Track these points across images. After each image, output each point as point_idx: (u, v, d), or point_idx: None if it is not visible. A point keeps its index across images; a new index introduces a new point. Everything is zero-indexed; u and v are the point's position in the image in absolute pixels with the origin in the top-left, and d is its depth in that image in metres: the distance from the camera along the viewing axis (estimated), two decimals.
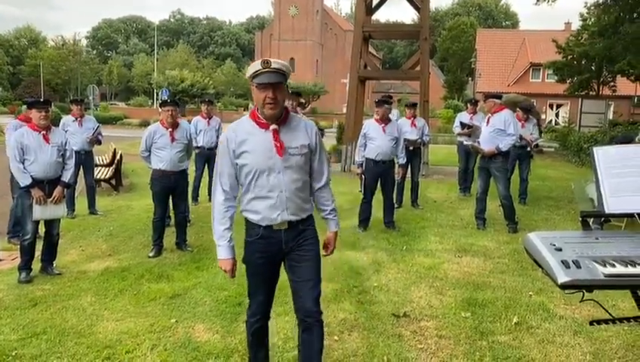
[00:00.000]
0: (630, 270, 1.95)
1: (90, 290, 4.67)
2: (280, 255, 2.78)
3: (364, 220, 6.91)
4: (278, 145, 2.65)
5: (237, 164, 2.69)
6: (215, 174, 2.78)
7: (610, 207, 2.24)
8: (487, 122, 6.99)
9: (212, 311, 4.16)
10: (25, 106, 6.77)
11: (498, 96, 7.28)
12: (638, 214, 2.20)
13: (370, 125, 6.92)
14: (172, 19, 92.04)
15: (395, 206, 7.56)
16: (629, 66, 23.28)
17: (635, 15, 17.74)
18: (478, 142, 7.16)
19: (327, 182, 2.91)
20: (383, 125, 6.77)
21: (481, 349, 3.54)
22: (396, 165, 7.09)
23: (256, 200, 2.70)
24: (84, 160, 7.74)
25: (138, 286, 4.78)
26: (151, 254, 5.74)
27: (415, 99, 11.36)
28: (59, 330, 3.81)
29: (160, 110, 6.13)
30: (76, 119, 7.68)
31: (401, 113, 12.28)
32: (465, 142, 9.10)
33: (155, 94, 52.63)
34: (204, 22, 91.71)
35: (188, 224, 6.53)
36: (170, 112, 5.78)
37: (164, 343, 3.61)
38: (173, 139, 5.76)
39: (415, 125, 8.60)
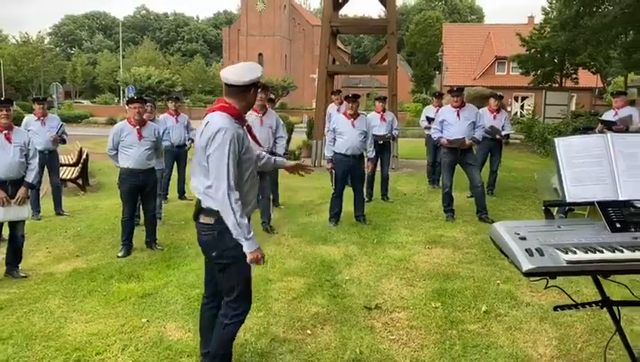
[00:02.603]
0: (590, 256, 2.01)
1: (57, 292, 4.57)
2: None
3: (335, 214, 6.95)
4: (255, 138, 3.08)
5: (241, 159, 2.80)
6: (225, 171, 2.68)
7: (572, 196, 2.31)
8: (458, 116, 7.06)
9: (184, 309, 4.13)
10: None
11: (461, 89, 7.40)
12: (597, 202, 2.27)
13: (340, 120, 6.95)
14: (137, 15, 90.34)
15: (366, 199, 7.62)
16: (589, 59, 24.00)
17: (594, 9, 18.22)
18: (445, 139, 7.19)
19: None
20: (352, 120, 6.80)
21: (451, 338, 3.62)
22: (365, 159, 7.14)
23: (251, 190, 2.93)
24: (49, 160, 7.57)
25: (107, 286, 4.70)
26: (120, 254, 5.66)
27: (384, 93, 11.44)
28: (26, 334, 3.72)
29: (127, 107, 6.03)
30: (39, 118, 7.49)
31: (371, 106, 12.35)
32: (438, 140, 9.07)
33: (121, 92, 51.64)
34: (171, 18, 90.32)
35: (158, 222, 6.47)
36: (137, 110, 5.70)
37: (135, 343, 3.57)
38: (140, 137, 5.68)
39: (384, 119, 8.65)
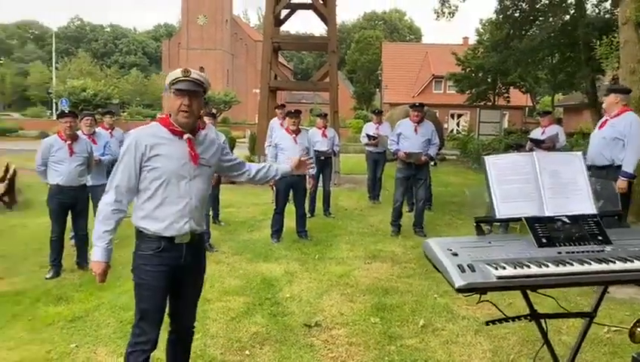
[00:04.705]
0: (519, 271, 2.08)
1: None
2: (177, 270, 2.69)
3: (277, 231, 6.89)
4: (193, 153, 2.67)
5: (143, 169, 2.61)
6: (111, 177, 2.65)
7: (501, 212, 2.39)
8: (415, 131, 7.19)
9: (116, 332, 3.95)
10: None
11: (422, 105, 7.50)
12: (525, 218, 2.36)
13: (282, 136, 6.94)
14: (72, 26, 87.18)
15: (308, 215, 7.62)
16: (519, 79, 25.26)
17: (523, 32, 19.25)
18: (402, 152, 7.25)
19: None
20: (294, 135, 6.81)
21: (389, 354, 3.64)
22: (307, 175, 7.14)
23: (163, 206, 2.63)
24: None
25: (34, 310, 4.44)
26: (48, 275, 5.36)
27: (326, 110, 11.55)
28: None
29: (59, 121, 5.77)
30: None
31: (314, 122, 12.38)
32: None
33: (54, 104, 49.49)
34: (108, 29, 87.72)
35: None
36: (69, 124, 5.48)
37: None
38: (72, 153, 5.46)
39: (326, 135, 8.73)
